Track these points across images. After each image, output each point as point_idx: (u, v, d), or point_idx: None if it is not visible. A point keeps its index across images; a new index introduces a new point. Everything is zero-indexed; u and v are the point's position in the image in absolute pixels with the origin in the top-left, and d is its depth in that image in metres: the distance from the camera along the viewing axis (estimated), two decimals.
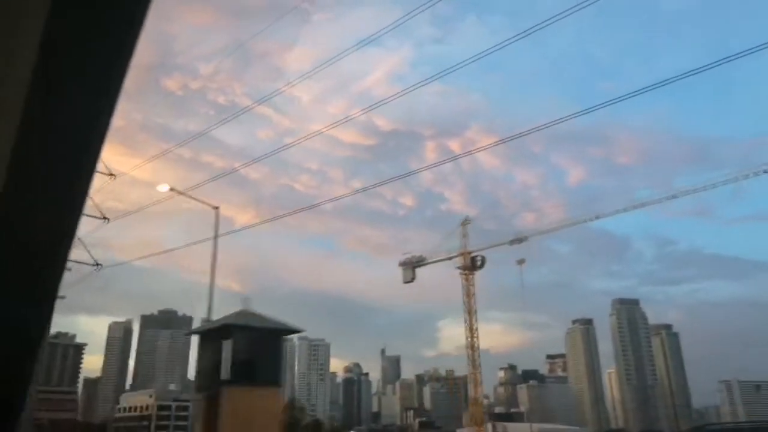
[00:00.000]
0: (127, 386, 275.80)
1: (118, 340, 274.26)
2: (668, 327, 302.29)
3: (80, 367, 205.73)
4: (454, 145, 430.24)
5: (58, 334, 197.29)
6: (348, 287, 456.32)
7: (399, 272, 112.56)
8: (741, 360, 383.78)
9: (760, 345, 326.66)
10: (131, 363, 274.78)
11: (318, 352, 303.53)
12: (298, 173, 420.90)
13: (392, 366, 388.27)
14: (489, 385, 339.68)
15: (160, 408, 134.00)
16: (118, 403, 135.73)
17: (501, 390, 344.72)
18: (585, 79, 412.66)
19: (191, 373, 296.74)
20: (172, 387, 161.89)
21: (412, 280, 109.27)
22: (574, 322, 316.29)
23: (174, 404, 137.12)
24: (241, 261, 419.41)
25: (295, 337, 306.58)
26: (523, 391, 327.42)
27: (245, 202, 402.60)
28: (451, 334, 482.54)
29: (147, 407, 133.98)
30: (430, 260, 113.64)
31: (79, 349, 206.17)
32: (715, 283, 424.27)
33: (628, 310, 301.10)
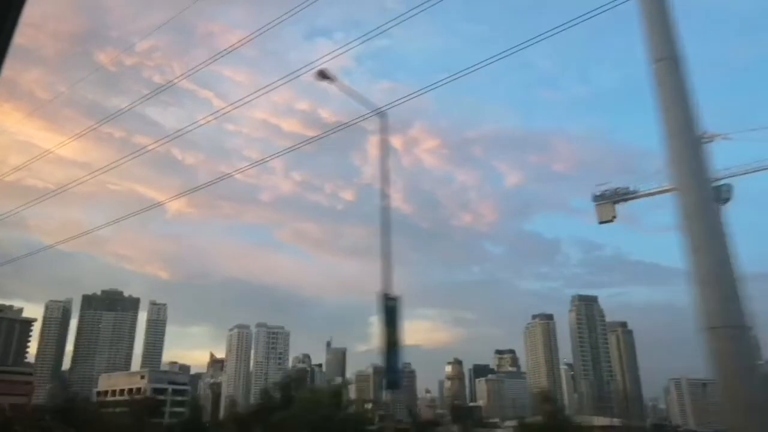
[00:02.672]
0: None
1: (55, 320, 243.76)
2: (624, 324, 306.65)
3: (28, 346, 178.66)
4: (397, 142, 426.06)
5: (2, 307, 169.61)
6: (281, 278, 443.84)
7: (592, 209, 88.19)
8: (667, 360, 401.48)
9: (677, 346, 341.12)
10: (69, 346, 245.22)
11: (277, 340, 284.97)
12: (237, 161, 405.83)
13: (337, 359, 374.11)
14: (434, 380, 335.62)
15: (155, 392, 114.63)
16: (96, 386, 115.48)
17: (448, 384, 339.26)
18: (526, 85, 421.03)
19: (136, 359, 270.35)
20: (165, 367, 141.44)
21: (612, 219, 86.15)
22: (534, 317, 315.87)
23: (170, 387, 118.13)
24: (171, 249, 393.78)
25: (252, 324, 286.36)
26: (481, 385, 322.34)
27: (179, 188, 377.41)
28: None
29: (139, 390, 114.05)
30: (641, 192, 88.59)
31: (26, 324, 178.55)
32: (637, 288, 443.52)
33: (587, 306, 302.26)
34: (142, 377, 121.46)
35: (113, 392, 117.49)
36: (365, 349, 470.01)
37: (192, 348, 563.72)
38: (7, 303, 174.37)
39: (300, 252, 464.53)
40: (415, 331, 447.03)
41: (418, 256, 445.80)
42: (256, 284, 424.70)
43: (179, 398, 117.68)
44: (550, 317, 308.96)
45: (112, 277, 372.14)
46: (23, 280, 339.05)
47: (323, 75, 16.92)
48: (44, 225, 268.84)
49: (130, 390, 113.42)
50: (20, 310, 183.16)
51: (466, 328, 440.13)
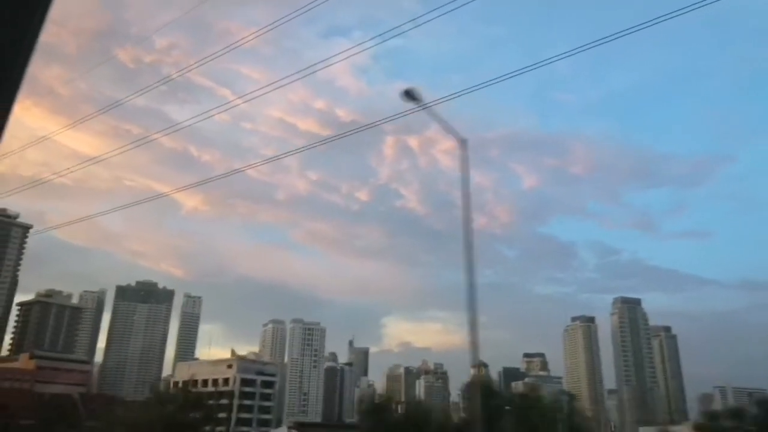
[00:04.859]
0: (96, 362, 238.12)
1: (90, 311, 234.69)
2: (668, 329, 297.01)
3: (76, 333, 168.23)
4: (414, 142, 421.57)
5: (51, 292, 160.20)
6: (295, 278, 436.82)
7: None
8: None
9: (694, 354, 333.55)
10: (101, 339, 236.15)
11: (313, 336, 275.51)
12: (252, 159, 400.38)
13: (359, 358, 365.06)
14: (456, 381, 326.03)
15: (243, 383, 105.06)
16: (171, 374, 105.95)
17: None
18: (542, 87, 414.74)
19: (169, 353, 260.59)
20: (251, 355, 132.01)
21: None
22: (573, 319, 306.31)
23: (259, 379, 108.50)
24: (186, 247, 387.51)
25: (288, 319, 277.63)
26: (518, 388, 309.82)
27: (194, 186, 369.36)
28: (394, 331, 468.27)
29: (227, 381, 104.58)
30: None
31: (76, 312, 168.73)
32: (653, 294, 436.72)
33: (630, 309, 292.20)
34: (230, 366, 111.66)
35: (194, 382, 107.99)
36: (375, 350, 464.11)
37: (205, 345, 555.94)
38: (57, 289, 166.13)
39: (314, 252, 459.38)
40: (426, 333, 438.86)
41: (432, 258, 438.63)
42: (269, 283, 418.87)
43: (268, 390, 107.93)
44: (591, 320, 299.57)
45: (128, 273, 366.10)
46: (41, 275, 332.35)
47: (409, 95, 16.08)
48: (61, 220, 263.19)
49: (215, 380, 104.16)
50: (69, 296, 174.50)
51: (480, 332, 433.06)
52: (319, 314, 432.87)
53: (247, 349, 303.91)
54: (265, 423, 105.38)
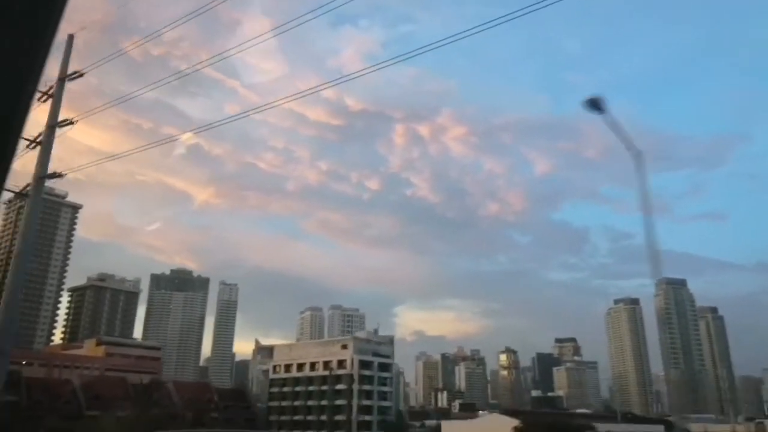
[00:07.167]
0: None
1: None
2: (714, 310, 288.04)
3: (133, 319, 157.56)
4: (424, 130, 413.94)
5: (104, 276, 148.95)
6: (307, 269, 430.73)
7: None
8: None
9: None
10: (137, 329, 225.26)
11: (352, 323, 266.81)
12: (263, 151, 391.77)
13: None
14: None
15: (362, 365, 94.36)
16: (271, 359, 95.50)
17: (504, 374, 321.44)
18: (553, 69, 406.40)
19: (206, 346, 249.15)
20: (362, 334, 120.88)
21: None
22: (616, 302, 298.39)
23: (377, 361, 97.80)
24: (199, 240, 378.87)
25: (325, 306, 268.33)
26: (560, 375, 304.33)
27: (206, 178, 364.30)
28: (407, 320, 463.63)
29: (341, 363, 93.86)
30: None
31: (131, 297, 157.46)
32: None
33: (675, 291, 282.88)
34: (344, 347, 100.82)
35: (299, 366, 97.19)
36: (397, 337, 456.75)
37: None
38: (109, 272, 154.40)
39: (325, 242, 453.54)
40: (439, 322, 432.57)
41: (444, 246, 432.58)
42: (282, 274, 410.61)
43: (385, 374, 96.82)
44: (635, 302, 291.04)
45: (144, 267, 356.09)
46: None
47: (595, 105, 13.71)
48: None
49: (326, 363, 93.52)
50: (122, 280, 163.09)
51: (493, 319, 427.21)
52: (332, 303, 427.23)
53: (268, 338, 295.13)
54: (383, 411, 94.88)
